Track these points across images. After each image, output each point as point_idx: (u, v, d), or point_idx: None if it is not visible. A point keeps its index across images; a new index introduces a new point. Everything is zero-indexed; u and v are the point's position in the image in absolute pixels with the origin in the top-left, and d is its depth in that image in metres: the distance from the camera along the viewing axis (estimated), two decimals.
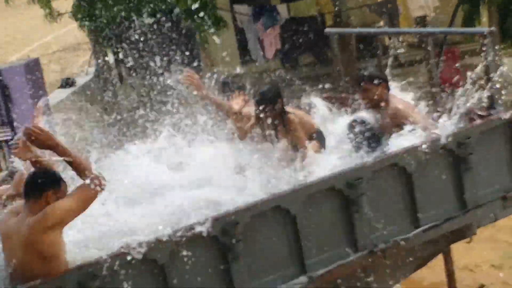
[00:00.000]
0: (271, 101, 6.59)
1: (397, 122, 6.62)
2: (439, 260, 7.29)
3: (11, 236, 5.01)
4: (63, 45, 27.58)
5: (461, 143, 6.16)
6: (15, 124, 12.23)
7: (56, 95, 15.03)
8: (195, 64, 13.28)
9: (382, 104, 6.76)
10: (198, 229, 5.26)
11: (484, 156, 6.32)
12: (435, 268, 7.93)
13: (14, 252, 4.94)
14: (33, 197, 5.02)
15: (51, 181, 5.07)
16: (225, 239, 5.32)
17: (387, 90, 6.84)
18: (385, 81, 6.87)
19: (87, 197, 4.97)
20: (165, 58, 14.21)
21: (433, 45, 8.36)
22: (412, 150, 6.04)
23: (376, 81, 6.77)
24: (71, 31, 25.90)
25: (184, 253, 5.21)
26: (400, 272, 6.28)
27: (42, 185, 5.03)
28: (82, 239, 5.43)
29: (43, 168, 5.32)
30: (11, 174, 6.33)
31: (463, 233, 6.47)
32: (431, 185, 6.13)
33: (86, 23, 15.42)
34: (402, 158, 5.98)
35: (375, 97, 6.76)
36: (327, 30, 9.05)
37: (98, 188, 4.95)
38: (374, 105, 6.81)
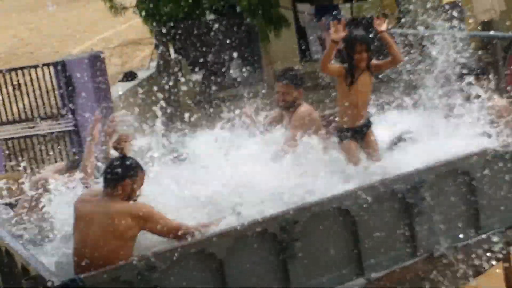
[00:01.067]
0: (368, 46, 6.36)
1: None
2: (497, 267, 7.13)
3: (88, 214, 5.22)
4: (124, 39, 27.91)
5: None
6: (77, 115, 12.43)
7: (118, 88, 15.22)
8: (255, 60, 13.38)
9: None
10: (258, 226, 5.28)
11: None
12: (494, 276, 7.77)
13: (89, 229, 5.15)
14: (111, 185, 5.28)
15: (127, 170, 5.29)
16: (284, 237, 5.32)
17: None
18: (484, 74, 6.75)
19: (172, 231, 5.21)
20: (226, 55, 14.30)
21: (501, 49, 8.19)
22: (476, 155, 5.94)
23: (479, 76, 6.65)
24: (133, 26, 26.23)
25: (243, 249, 5.23)
26: (458, 278, 6.18)
27: (118, 175, 5.26)
28: None
29: (122, 155, 5.52)
30: (73, 164, 6.44)
31: None
32: (494, 190, 6.03)
33: (150, 18, 15.60)
34: (466, 163, 5.89)
35: None
36: (393, 30, 8.94)
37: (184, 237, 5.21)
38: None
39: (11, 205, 6.40)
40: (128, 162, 5.36)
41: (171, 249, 5.05)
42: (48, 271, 4.89)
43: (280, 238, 5.31)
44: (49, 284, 4.69)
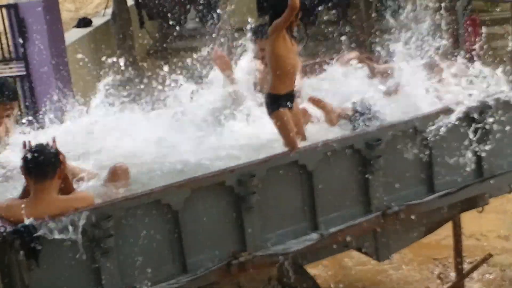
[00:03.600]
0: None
1: None
2: (445, 227, 7.26)
3: None
4: None
5: (482, 112, 6.12)
6: (29, 60, 12.15)
7: (72, 35, 14.87)
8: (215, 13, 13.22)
9: None
10: (215, 178, 5.28)
11: (504, 126, 6.26)
12: (441, 235, 7.94)
13: None
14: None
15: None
16: (240, 190, 5.33)
17: None
18: None
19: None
20: (184, 5, 14.06)
21: (461, 9, 8.21)
22: (432, 116, 6.00)
23: None
24: None
25: (199, 200, 5.22)
26: (409, 236, 6.30)
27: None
28: None
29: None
30: None
31: (475, 202, 6.47)
32: (448, 151, 6.11)
33: None
34: (422, 123, 5.95)
35: None
36: None
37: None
38: None
39: None
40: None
41: (127, 199, 5.03)
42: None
43: (237, 191, 5.32)
44: (1, 229, 4.62)
